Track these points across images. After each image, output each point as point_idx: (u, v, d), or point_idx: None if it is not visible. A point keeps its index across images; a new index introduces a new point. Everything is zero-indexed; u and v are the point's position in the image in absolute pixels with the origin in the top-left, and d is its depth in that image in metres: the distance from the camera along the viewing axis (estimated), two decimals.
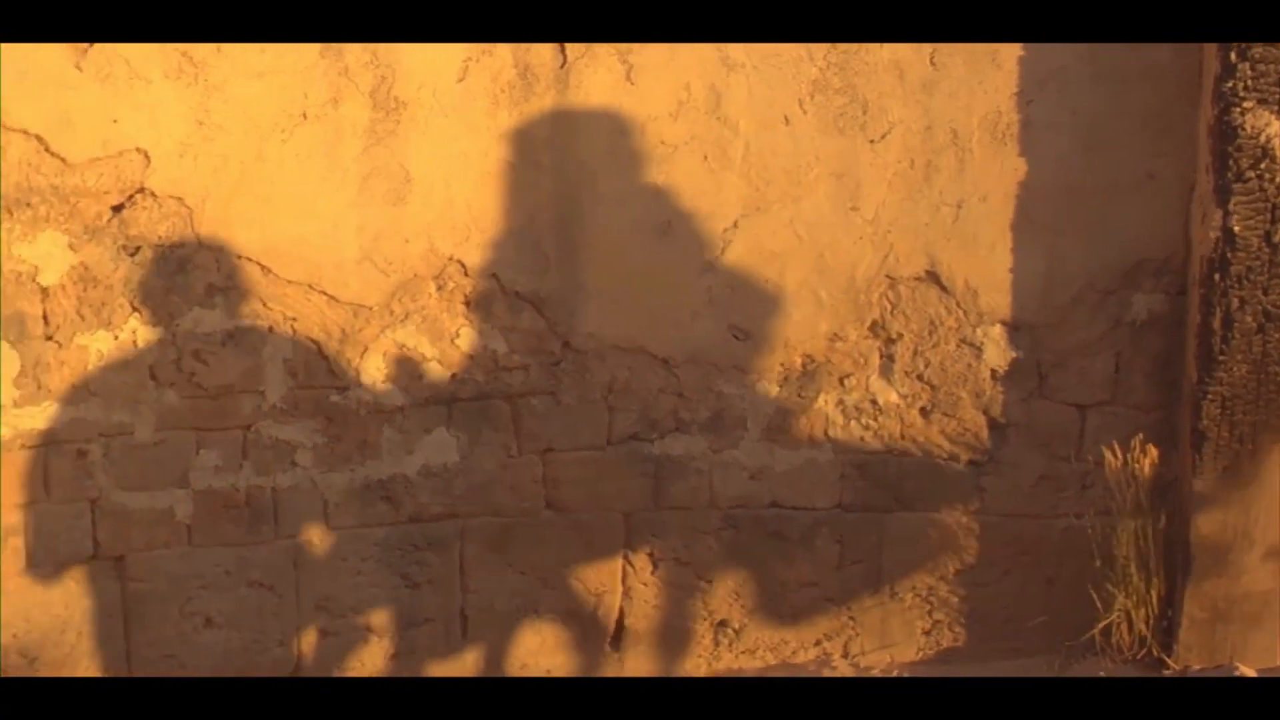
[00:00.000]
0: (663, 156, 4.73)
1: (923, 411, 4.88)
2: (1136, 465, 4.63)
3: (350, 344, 4.69)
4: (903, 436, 4.89)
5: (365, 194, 4.64)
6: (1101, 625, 4.70)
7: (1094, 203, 4.75)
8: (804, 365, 4.87)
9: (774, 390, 4.87)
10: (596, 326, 4.80)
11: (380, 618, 4.85)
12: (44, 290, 4.47)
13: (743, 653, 5.02)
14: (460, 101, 4.64)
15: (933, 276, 4.81)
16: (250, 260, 4.60)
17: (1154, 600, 4.71)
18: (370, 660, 4.86)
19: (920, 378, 4.86)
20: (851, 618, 5.01)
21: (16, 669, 4.54)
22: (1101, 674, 4.72)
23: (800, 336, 4.84)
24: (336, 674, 4.82)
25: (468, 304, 4.75)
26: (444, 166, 4.67)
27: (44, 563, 4.56)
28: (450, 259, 4.72)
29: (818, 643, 5.03)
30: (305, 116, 4.57)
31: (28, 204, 4.41)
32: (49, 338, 4.49)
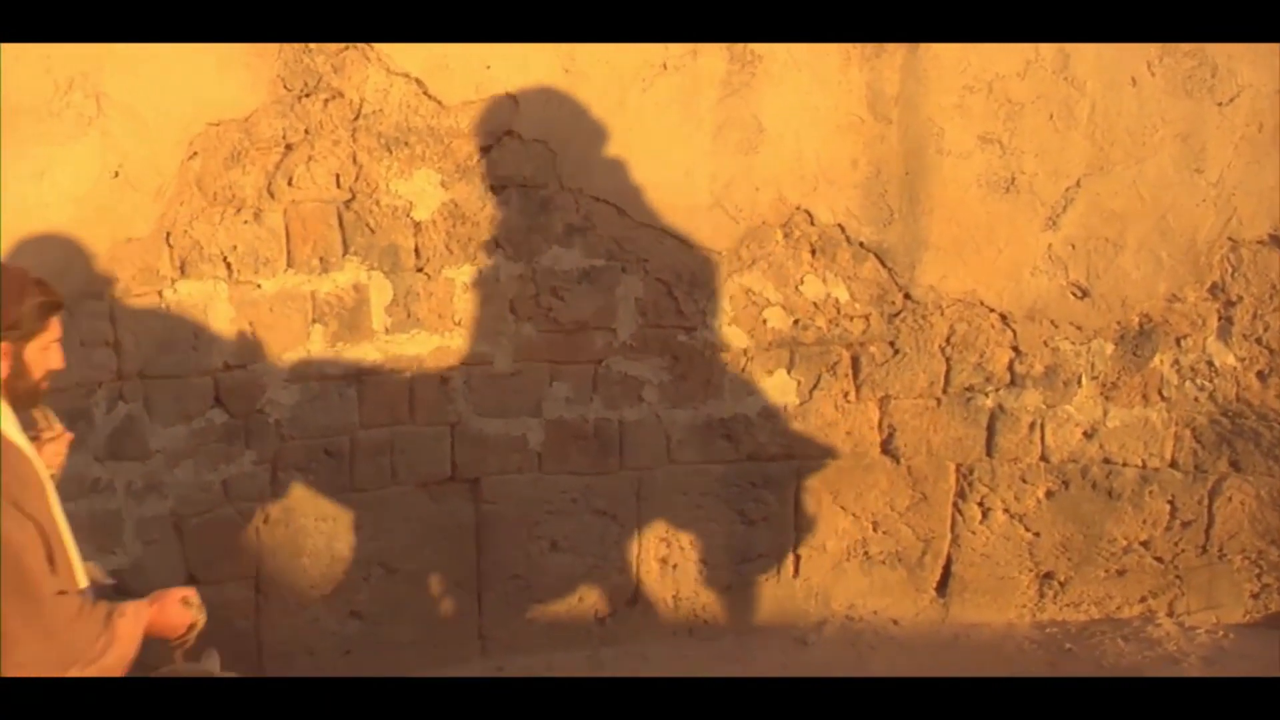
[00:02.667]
0: (1008, 114, 4.79)
1: (1260, 375, 4.88)
2: None
3: (699, 286, 4.84)
4: (1238, 399, 4.90)
5: (718, 143, 4.77)
6: None
7: None
8: (1141, 324, 4.90)
9: (1110, 348, 4.92)
10: (937, 279, 4.88)
11: (716, 551, 5.00)
12: (417, 225, 4.67)
13: (1067, 605, 5.07)
14: (813, 56, 4.75)
15: (1276, 240, 4.81)
16: (607, 203, 4.76)
17: None
18: (704, 593, 5.02)
19: (1259, 341, 4.86)
20: (1178, 577, 5.04)
21: (378, 580, 4.80)
22: None
23: (1138, 296, 4.88)
24: (671, 602, 5.01)
25: (813, 252, 4.86)
26: (795, 118, 4.78)
27: (406, 481, 4.79)
28: (798, 208, 4.83)
29: (1143, 599, 5.07)
30: (665, 67, 4.71)
31: (406, 143, 4.61)
32: (419, 269, 4.69)
